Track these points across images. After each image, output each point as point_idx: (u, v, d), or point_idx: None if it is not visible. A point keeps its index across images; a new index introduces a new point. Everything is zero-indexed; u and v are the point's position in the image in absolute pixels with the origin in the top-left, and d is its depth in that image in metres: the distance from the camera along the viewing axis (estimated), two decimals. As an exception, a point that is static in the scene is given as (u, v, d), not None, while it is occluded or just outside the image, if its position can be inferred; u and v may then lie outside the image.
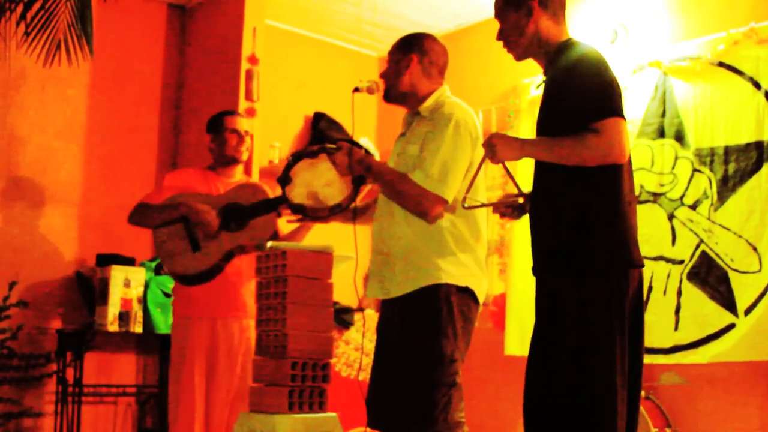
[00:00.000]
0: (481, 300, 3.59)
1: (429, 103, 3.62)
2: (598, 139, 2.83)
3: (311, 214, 3.67)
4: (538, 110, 3.08)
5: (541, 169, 3.04)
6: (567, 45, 3.07)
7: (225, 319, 4.30)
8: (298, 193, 3.66)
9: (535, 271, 3.04)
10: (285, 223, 4.23)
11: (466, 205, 3.28)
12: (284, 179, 3.68)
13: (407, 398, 3.38)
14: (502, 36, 3.20)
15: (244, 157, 4.48)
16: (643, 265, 2.97)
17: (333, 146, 3.60)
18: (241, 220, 4.11)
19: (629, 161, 3.01)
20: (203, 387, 4.24)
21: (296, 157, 3.68)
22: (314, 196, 3.66)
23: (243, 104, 5.95)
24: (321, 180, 3.64)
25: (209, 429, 4.25)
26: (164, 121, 6.40)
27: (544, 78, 3.13)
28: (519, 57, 3.19)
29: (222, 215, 4.11)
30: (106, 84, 6.12)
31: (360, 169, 3.54)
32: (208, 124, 4.56)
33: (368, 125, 6.99)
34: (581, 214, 2.91)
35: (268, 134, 6.23)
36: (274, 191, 4.25)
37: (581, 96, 2.88)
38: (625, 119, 2.89)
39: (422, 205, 3.43)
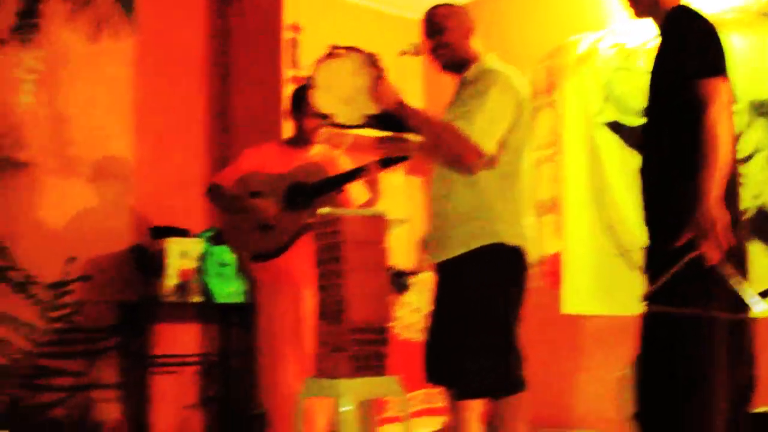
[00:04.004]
0: (530, 259, 3.62)
1: (475, 67, 3.64)
2: (712, 116, 2.84)
3: (335, 124, 3.66)
4: (652, 70, 3.10)
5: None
6: (679, 10, 3.11)
7: (310, 288, 4.47)
8: (323, 98, 3.61)
9: None
10: (357, 196, 4.54)
11: None
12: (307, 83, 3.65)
13: (468, 358, 3.42)
14: None
15: (321, 139, 4.67)
16: None
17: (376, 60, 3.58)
18: (304, 199, 4.39)
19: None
20: (290, 352, 4.53)
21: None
22: (341, 102, 3.61)
23: (287, 73, 5.96)
24: (350, 85, 3.58)
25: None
26: (212, 91, 6.42)
27: (657, 37, 3.15)
28: (638, 14, 3.22)
29: (286, 196, 4.43)
30: (151, 57, 6.10)
31: (395, 102, 3.54)
32: (293, 97, 4.72)
33: (415, 90, 6.95)
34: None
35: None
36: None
37: (687, 60, 2.92)
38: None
39: (462, 153, 3.46)
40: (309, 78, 3.62)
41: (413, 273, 5.88)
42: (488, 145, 3.45)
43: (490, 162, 3.48)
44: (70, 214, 5.67)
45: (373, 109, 3.56)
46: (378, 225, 3.82)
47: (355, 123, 3.61)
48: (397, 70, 3.61)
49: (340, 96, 3.60)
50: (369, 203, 4.44)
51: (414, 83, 6.91)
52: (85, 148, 5.78)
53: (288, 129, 4.94)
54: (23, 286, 5.31)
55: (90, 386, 5.48)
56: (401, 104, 3.55)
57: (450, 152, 3.48)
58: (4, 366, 5.19)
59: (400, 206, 3.79)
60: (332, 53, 3.62)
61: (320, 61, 3.62)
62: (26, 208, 5.47)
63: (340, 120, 3.62)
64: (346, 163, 4.66)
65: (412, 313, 5.87)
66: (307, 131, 4.65)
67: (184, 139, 6.24)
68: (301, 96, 4.64)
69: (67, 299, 5.41)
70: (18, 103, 5.48)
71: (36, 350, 5.32)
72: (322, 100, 3.61)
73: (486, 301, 3.45)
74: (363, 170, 4.29)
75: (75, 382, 5.44)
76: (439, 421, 5.71)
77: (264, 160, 4.65)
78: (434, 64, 3.74)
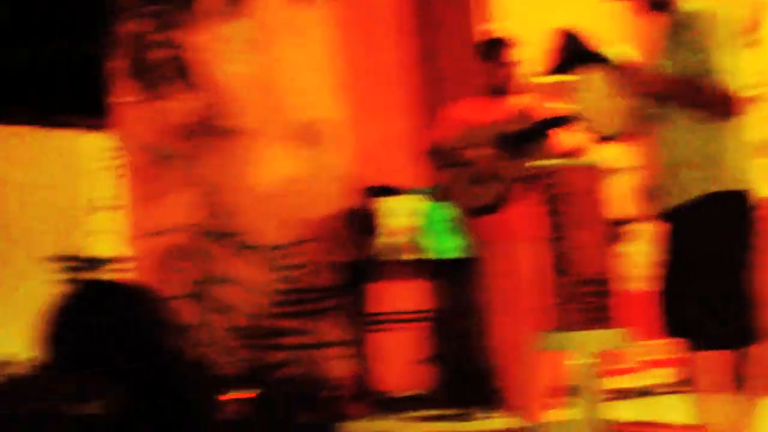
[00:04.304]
0: (755, 203, 3.51)
1: (682, 7, 3.52)
2: None
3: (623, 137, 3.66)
4: None
5: None
6: None
7: (529, 241, 4.45)
8: (600, 126, 3.63)
9: None
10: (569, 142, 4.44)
11: None
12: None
13: (706, 308, 3.34)
14: None
15: (514, 88, 4.61)
16: None
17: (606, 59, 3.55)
18: (514, 148, 4.38)
19: None
20: (515, 307, 4.52)
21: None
22: (614, 116, 3.60)
23: (482, 25, 5.92)
24: (606, 97, 3.58)
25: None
26: (412, 47, 6.45)
27: None
28: None
29: (498, 146, 4.42)
30: (352, 17, 6.14)
31: (645, 82, 3.49)
32: (486, 49, 4.70)
33: (622, 38, 6.74)
34: None
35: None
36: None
37: None
38: None
39: (726, 107, 3.38)
40: (576, 120, 3.65)
41: (635, 222, 5.76)
42: (740, 89, 3.38)
43: (744, 104, 3.40)
44: (285, 177, 5.84)
45: (637, 99, 3.54)
46: (594, 175, 3.78)
47: (636, 125, 3.60)
48: (599, 16, 3.53)
49: (609, 113, 3.60)
50: (581, 149, 4.36)
51: (621, 29, 6.72)
52: (294, 113, 5.94)
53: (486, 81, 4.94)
54: (249, 249, 5.56)
55: (317, 345, 5.68)
56: (651, 79, 3.50)
57: (713, 108, 3.41)
58: (239, 328, 5.46)
59: (617, 153, 3.71)
60: (566, 91, 3.62)
61: (566, 103, 3.64)
62: (244, 174, 5.68)
63: (628, 132, 3.62)
64: (548, 110, 4.60)
65: (635, 263, 5.76)
66: (505, 80, 4.62)
67: (389, 97, 6.31)
68: (494, 47, 4.64)
69: (290, 261, 5.61)
70: (227, 72, 5.68)
71: (265, 312, 5.58)
72: (601, 128, 3.62)
73: (721, 249, 3.37)
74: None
75: (303, 342, 5.65)
76: (668, 373, 5.61)
77: (470, 113, 4.65)
78: (637, 6, 3.65)
